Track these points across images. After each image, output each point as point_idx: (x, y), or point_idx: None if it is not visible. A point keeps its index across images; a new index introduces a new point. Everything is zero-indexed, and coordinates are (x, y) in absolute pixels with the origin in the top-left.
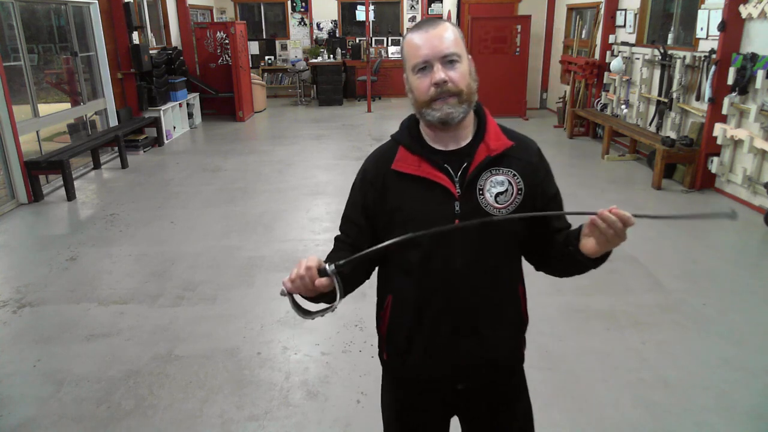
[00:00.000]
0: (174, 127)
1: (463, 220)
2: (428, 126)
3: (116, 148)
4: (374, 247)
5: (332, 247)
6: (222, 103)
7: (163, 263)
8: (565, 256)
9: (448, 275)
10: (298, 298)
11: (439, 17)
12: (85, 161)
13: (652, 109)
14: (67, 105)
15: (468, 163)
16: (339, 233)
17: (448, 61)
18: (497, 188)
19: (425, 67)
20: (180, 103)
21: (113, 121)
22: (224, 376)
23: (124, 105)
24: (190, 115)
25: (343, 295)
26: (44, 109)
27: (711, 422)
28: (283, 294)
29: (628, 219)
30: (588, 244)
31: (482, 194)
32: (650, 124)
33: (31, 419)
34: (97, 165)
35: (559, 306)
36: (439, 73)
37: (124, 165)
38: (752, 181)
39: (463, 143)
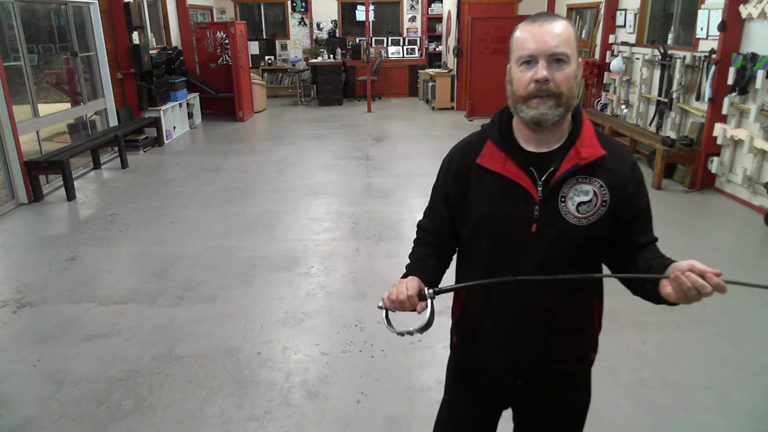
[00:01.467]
0: (174, 127)
1: (541, 226)
2: (521, 123)
3: (116, 148)
4: (474, 283)
5: (415, 235)
6: (222, 103)
7: (163, 263)
8: (644, 290)
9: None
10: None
11: (554, 13)
12: (85, 161)
13: (652, 109)
14: (67, 105)
15: (555, 169)
16: (422, 221)
17: (555, 60)
18: (581, 197)
19: (530, 61)
20: (180, 103)
21: (113, 121)
22: (224, 376)
23: (124, 105)
24: (190, 115)
25: (433, 318)
26: (44, 109)
27: (711, 422)
28: (380, 308)
29: (721, 288)
30: (666, 290)
31: (564, 202)
32: (650, 124)
33: (31, 419)
34: (97, 165)
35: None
36: (543, 71)
37: (124, 165)
38: (752, 181)
39: (554, 146)
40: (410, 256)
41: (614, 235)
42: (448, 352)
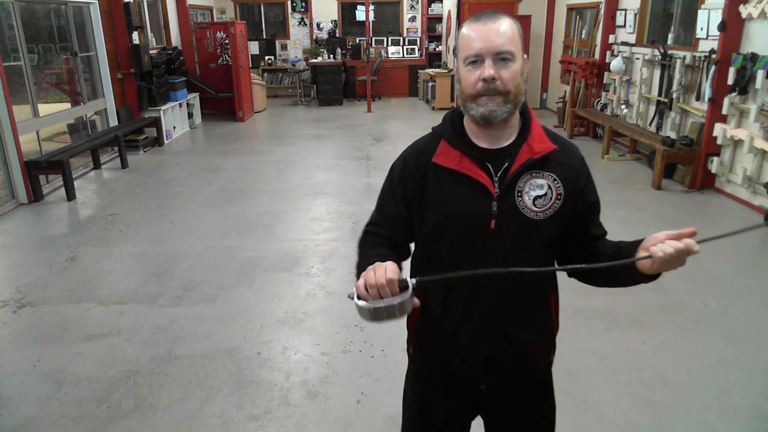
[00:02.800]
0: (174, 127)
1: (500, 221)
2: (472, 121)
3: (116, 148)
4: (462, 273)
5: (361, 239)
6: (222, 103)
7: (163, 263)
8: (619, 271)
9: (477, 277)
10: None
11: (499, 10)
12: (85, 161)
13: (652, 109)
14: (67, 105)
15: (509, 164)
16: (369, 226)
17: (501, 58)
18: (536, 191)
19: (476, 60)
20: (180, 103)
21: (113, 121)
22: (224, 376)
23: (124, 105)
24: (190, 115)
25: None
26: (44, 109)
27: (711, 422)
28: (351, 297)
29: (692, 247)
30: (643, 262)
31: (520, 196)
32: (650, 124)
33: (31, 419)
34: (97, 165)
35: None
36: (489, 70)
37: (124, 165)
38: (752, 181)
39: (507, 143)
40: (364, 256)
41: (570, 229)
42: None
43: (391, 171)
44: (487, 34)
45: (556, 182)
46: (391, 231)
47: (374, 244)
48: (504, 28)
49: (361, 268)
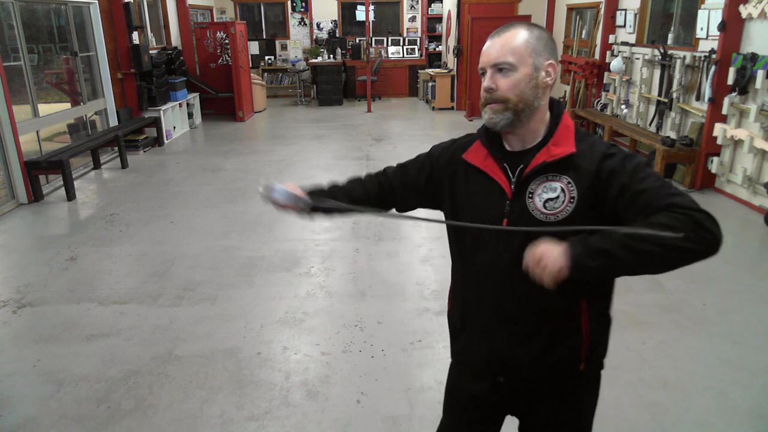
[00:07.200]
0: (174, 127)
1: (511, 221)
2: None
3: (116, 148)
4: (361, 208)
5: (367, 174)
6: (222, 103)
7: (163, 263)
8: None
9: (488, 270)
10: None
11: (517, 22)
12: (85, 161)
13: (652, 109)
14: (67, 105)
15: (525, 165)
16: (387, 169)
17: (499, 69)
18: (548, 194)
19: (483, 72)
20: (180, 103)
21: (113, 121)
22: (224, 376)
23: (124, 105)
24: (190, 115)
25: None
26: (44, 109)
27: (711, 422)
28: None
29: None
30: None
31: (531, 198)
32: (650, 124)
33: (31, 419)
34: (97, 165)
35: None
36: (487, 81)
37: (124, 165)
38: (752, 181)
39: (530, 145)
40: (339, 183)
41: (613, 222)
42: (449, 351)
43: (433, 147)
44: (489, 48)
45: (570, 185)
46: (390, 185)
47: (362, 182)
48: (507, 41)
49: (330, 186)
